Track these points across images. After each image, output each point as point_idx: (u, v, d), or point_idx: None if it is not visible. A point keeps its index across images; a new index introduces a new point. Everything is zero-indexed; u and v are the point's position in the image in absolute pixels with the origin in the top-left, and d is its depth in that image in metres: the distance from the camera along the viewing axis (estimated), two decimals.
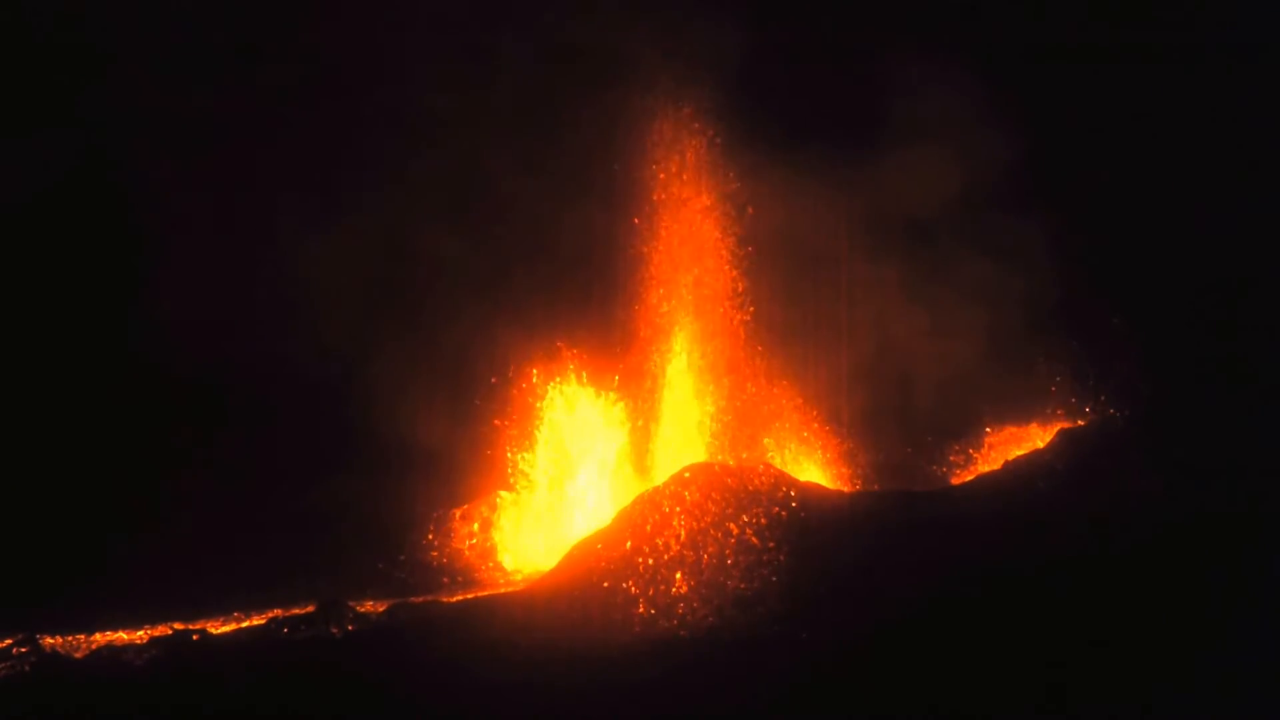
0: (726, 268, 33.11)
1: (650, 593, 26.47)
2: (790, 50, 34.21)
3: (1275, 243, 33.41)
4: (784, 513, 28.00)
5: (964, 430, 33.19)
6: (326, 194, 34.30)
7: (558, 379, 33.31)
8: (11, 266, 34.50)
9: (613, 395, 33.19)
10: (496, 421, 33.17)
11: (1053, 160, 34.22)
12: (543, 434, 33.19)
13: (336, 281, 33.87)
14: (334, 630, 26.15)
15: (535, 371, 33.36)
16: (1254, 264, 33.37)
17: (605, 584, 26.77)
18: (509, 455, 33.10)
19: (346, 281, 33.97)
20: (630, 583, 26.69)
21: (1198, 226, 33.98)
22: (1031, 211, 32.98)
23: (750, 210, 32.97)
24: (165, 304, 34.02)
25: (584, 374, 33.28)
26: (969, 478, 31.83)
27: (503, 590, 29.62)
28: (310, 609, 26.76)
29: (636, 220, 33.14)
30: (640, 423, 32.93)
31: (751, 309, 32.95)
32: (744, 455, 31.74)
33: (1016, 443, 32.49)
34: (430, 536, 32.23)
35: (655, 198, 33.19)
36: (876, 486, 32.40)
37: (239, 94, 34.47)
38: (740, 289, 33.02)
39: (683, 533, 27.55)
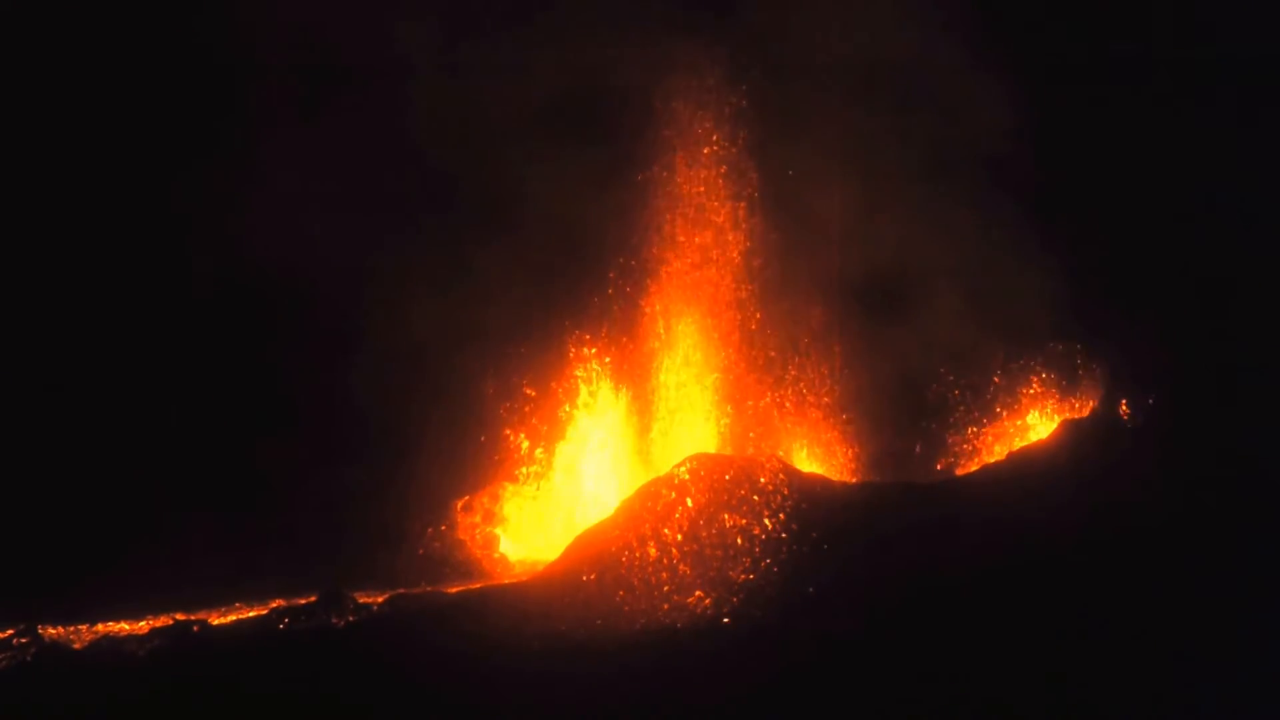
0: (732, 259, 33.02)
1: (653, 582, 26.46)
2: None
3: None
4: (787, 503, 27.94)
5: (968, 421, 33.11)
6: (331, 187, 34.23)
7: (561, 369, 33.22)
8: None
9: (616, 385, 33.10)
10: (499, 411, 33.10)
11: (1059, 153, 34.09)
12: (546, 424, 33.12)
13: (336, 274, 33.79)
14: (335, 621, 26.11)
15: (539, 364, 33.28)
16: (1262, 257, 33.27)
17: (608, 575, 26.72)
18: (511, 445, 33.04)
19: (347, 273, 33.86)
20: (633, 573, 26.66)
21: (1206, 217, 33.90)
22: (1039, 203, 32.86)
23: (755, 204, 32.95)
24: (164, 296, 34.03)
25: (588, 364, 33.18)
26: (973, 468, 31.78)
27: (505, 581, 29.60)
28: (311, 599, 26.69)
29: (641, 218, 33.08)
30: (643, 412, 32.86)
31: (757, 299, 32.86)
32: (747, 446, 31.69)
33: (1020, 434, 32.42)
34: (432, 527, 32.17)
35: (663, 189, 33.10)
36: (880, 477, 32.28)
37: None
38: (745, 280, 32.92)
39: (685, 523, 27.51)
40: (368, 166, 34.34)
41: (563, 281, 33.30)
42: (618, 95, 33.04)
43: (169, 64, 34.78)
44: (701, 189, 33.09)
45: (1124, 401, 31.09)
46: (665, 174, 33.05)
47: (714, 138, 33.06)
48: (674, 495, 27.96)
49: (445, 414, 33.04)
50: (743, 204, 33.08)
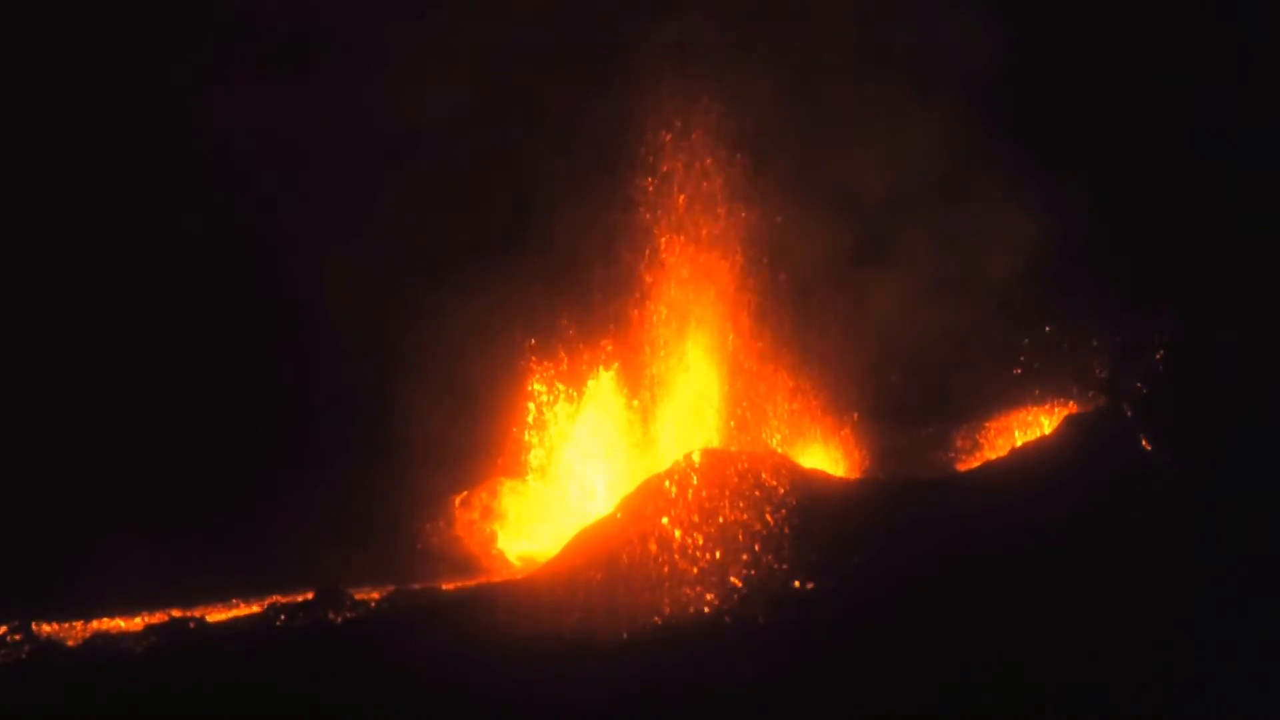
0: (732, 255, 32.93)
1: (654, 579, 26.36)
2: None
3: None
4: (789, 499, 27.86)
5: (970, 417, 33.07)
6: (330, 195, 34.23)
7: (560, 365, 33.14)
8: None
9: (616, 381, 33.02)
10: (498, 408, 33.03)
11: (1061, 147, 34.02)
12: (544, 420, 33.04)
13: (337, 275, 33.74)
14: (333, 617, 26.09)
15: (537, 358, 33.22)
16: (1266, 252, 33.25)
17: (609, 571, 26.60)
18: (510, 441, 32.98)
19: (347, 272, 33.80)
20: (634, 570, 26.56)
21: (1211, 212, 33.87)
22: (1041, 199, 32.78)
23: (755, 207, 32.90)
24: (160, 292, 34.02)
25: (587, 360, 33.13)
26: (975, 464, 31.72)
27: (504, 578, 29.53)
28: (309, 596, 26.70)
29: (641, 209, 32.99)
30: (644, 408, 32.77)
31: (758, 296, 32.77)
32: (748, 441, 31.59)
33: (1023, 429, 32.36)
34: (430, 523, 32.10)
35: (660, 186, 33.00)
36: (882, 474, 32.17)
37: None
38: (746, 276, 32.84)
39: (687, 519, 27.41)
40: (366, 164, 34.33)
41: (563, 275, 33.22)
42: (616, 85, 32.97)
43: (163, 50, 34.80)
44: (705, 180, 32.99)
45: (1128, 397, 31.05)
46: (667, 166, 32.95)
47: (720, 122, 32.98)
48: (675, 491, 27.84)
49: (443, 409, 32.94)
50: (748, 196, 33.00)
